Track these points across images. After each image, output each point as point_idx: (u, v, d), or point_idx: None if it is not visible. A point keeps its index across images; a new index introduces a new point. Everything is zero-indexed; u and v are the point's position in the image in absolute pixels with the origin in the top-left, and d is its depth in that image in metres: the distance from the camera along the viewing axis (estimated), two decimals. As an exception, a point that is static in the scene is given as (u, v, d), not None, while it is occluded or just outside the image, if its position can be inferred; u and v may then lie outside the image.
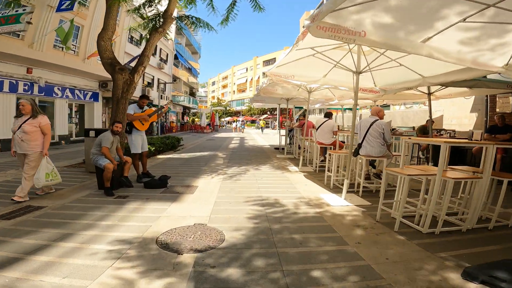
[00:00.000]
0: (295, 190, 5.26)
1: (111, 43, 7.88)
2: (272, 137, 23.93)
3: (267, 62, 61.30)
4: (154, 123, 20.79)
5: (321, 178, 6.18)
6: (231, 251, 2.70)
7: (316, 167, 7.23)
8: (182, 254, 2.61)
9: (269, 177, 6.41)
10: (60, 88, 13.69)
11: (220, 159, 9.41)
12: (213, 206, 4.17)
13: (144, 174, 5.98)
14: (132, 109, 6.04)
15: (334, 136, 7.06)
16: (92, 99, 16.14)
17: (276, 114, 52.21)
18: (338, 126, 9.75)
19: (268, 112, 53.08)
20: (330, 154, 7.02)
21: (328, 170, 5.91)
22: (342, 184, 4.93)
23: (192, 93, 41.10)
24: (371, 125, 4.81)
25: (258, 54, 67.59)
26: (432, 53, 3.09)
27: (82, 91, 15.28)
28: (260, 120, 39.61)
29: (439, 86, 6.13)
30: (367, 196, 4.82)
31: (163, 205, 4.17)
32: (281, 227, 3.37)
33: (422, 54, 3.11)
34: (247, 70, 67.96)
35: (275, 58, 59.60)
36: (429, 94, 6.76)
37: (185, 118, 40.88)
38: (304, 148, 8.47)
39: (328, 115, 7.61)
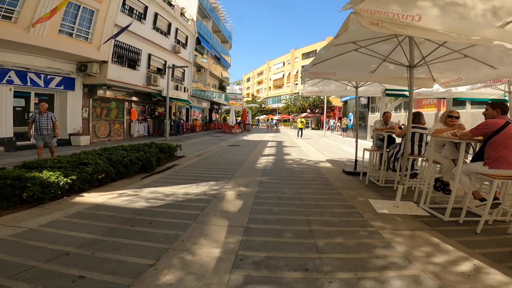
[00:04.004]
0: None
1: None
2: (320, 142, 17.32)
3: (307, 55, 55.02)
4: (166, 121, 15.51)
5: None
6: None
7: None
8: None
9: None
10: (-3, 68, 8.76)
11: (219, 231, 3.31)
12: None
13: None
14: None
15: None
16: (62, 87, 11.10)
17: (318, 113, 44.88)
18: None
19: (308, 110, 45.94)
20: None
21: None
22: None
23: (221, 87, 35.78)
24: None
25: (296, 47, 61.44)
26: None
27: (43, 76, 10.25)
28: (298, 118, 31.46)
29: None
30: None
31: None
32: None
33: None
34: (284, 64, 61.93)
35: (315, 50, 53.00)
36: None
37: (214, 115, 35.70)
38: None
39: None
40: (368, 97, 18.08)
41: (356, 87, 6.50)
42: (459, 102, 11.22)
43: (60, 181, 4.02)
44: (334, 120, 33.71)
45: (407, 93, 6.84)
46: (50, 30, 9.51)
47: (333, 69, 4.99)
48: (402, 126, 5.18)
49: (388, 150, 5.13)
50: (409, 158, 4.74)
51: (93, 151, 5.69)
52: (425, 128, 4.63)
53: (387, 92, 6.85)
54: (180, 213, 3.62)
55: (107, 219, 3.38)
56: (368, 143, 15.98)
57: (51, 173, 4.08)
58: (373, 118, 17.68)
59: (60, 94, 11.42)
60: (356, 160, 6.48)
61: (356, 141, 6.67)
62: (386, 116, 5.95)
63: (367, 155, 5.92)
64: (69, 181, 4.13)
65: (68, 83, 11.31)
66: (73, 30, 10.63)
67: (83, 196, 4.26)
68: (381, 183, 5.28)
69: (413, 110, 4.19)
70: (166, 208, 3.78)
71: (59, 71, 10.83)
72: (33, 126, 6.54)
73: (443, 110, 10.86)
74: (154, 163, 6.18)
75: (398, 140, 5.79)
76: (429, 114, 11.33)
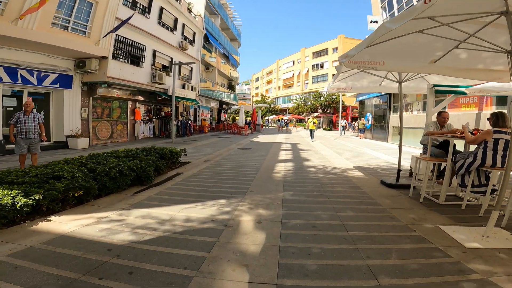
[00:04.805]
0: None
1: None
2: (337, 144, 16.04)
3: (317, 54, 53.65)
4: (172, 121, 14.51)
5: None
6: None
7: None
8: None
9: None
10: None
11: None
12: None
13: None
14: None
15: None
16: (58, 85, 10.17)
17: (329, 113, 43.25)
18: None
19: (320, 110, 44.40)
20: None
21: None
22: None
23: (230, 87, 34.72)
24: None
25: (306, 45, 59.99)
26: None
27: (36, 73, 9.32)
28: (310, 118, 29.33)
29: None
30: None
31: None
32: None
33: None
34: (294, 63, 60.56)
35: (326, 48, 51.61)
36: None
37: (223, 115, 34.65)
38: None
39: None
40: (390, 95, 16.66)
41: (400, 82, 5.24)
42: (499, 99, 9.79)
43: (17, 202, 2.95)
44: (345, 120, 32.17)
45: (463, 89, 5.56)
46: (42, 22, 8.56)
47: (382, 57, 3.76)
48: (473, 131, 3.94)
49: (454, 160, 3.88)
50: (487, 170, 3.51)
51: (75, 160, 4.64)
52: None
53: (436, 88, 5.56)
54: (178, 254, 2.48)
55: (67, 262, 2.27)
56: (389, 145, 14.62)
57: (6, 191, 3.01)
58: (395, 118, 16.27)
59: (56, 93, 10.50)
60: (399, 170, 5.23)
61: (400, 147, 5.41)
62: (442, 117, 4.69)
63: (406, 162, 4.69)
64: (30, 201, 3.06)
65: (64, 81, 10.38)
66: (68, 23, 9.68)
67: (50, 220, 3.18)
68: (441, 200, 4.05)
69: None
70: (157, 245, 2.65)
71: (55, 68, 9.90)
72: (14, 128, 5.50)
73: (487, 110, 9.44)
74: (151, 173, 5.07)
75: (458, 146, 4.56)
76: (468, 115, 9.93)
